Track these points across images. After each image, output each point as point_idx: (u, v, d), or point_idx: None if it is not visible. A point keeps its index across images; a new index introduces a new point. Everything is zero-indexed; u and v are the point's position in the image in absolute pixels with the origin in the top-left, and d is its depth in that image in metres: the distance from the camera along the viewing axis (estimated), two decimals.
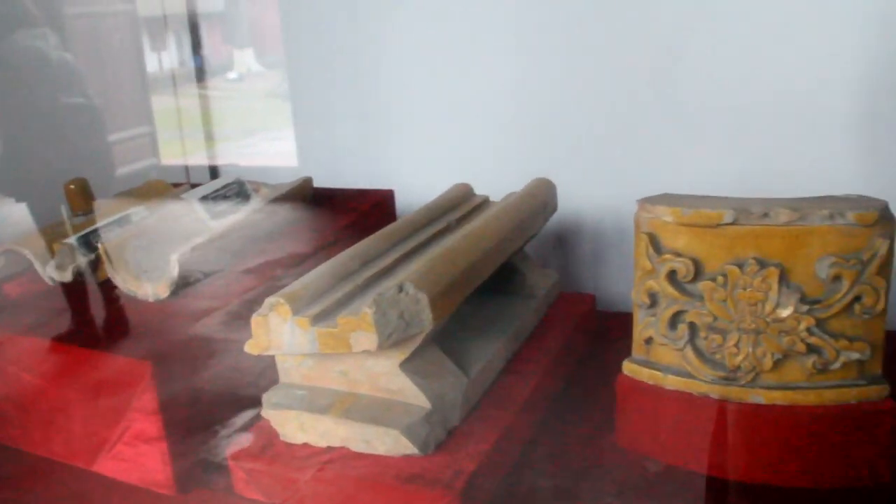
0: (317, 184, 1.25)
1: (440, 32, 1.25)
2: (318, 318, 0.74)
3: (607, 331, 1.01)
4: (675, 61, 1.12)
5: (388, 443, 0.74)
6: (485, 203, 1.02)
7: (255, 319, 0.76)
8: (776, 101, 1.08)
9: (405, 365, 0.76)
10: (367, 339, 0.72)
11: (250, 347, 0.77)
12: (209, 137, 1.74)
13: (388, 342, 0.72)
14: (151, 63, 1.74)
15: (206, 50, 1.73)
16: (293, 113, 1.52)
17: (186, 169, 1.71)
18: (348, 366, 0.78)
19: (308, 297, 0.76)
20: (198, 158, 1.73)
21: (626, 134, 1.17)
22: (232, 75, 1.73)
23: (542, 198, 0.98)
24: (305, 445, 0.78)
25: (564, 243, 1.21)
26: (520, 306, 0.95)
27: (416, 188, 1.15)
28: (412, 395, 0.76)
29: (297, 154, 1.55)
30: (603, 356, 0.90)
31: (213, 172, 1.68)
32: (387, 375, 0.77)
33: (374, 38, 1.31)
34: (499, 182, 1.06)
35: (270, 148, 1.72)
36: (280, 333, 0.75)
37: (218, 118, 1.71)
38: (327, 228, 1.03)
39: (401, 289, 0.73)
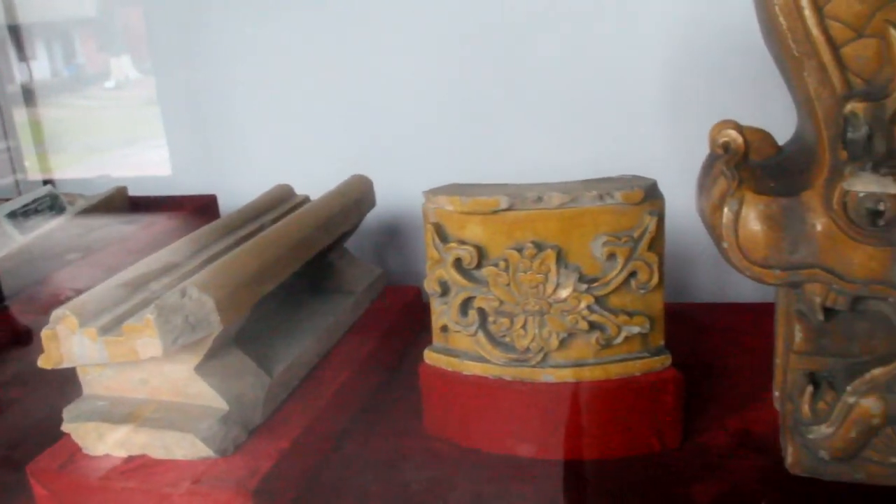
0: (185, 192, 1.25)
1: (283, 35, 1.26)
2: (105, 328, 0.74)
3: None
4: (503, 56, 1.15)
5: (186, 447, 0.75)
6: (304, 202, 1.03)
7: (45, 333, 0.75)
8: (591, 91, 1.11)
9: (201, 368, 0.76)
10: (152, 345, 0.72)
11: (43, 362, 0.76)
12: (86, 149, 1.70)
13: (174, 347, 0.72)
14: (22, 73, 1.70)
15: (81, 58, 1.70)
16: (163, 120, 1.51)
17: (54, 183, 1.68)
18: (147, 373, 0.78)
19: (97, 308, 0.76)
20: (71, 172, 1.70)
21: (459, 129, 1.19)
22: (109, 84, 1.70)
23: (354, 195, 0.99)
24: (107, 456, 0.77)
25: (399, 238, 1.22)
26: (337, 303, 0.96)
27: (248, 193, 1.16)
28: (209, 397, 0.77)
29: (170, 163, 1.54)
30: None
31: (86, 185, 1.65)
32: (184, 380, 0.77)
33: (224, 43, 1.30)
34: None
35: (149, 157, 1.70)
36: (70, 346, 0.75)
37: (95, 128, 1.68)
38: (133, 238, 1.02)
39: (184, 293, 0.73)
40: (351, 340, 0.93)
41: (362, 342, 0.93)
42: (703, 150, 0.78)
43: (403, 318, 1.01)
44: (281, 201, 1.02)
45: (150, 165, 1.67)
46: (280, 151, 1.29)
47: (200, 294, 0.73)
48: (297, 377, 0.85)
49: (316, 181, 1.07)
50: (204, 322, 0.74)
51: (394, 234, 1.24)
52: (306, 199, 1.04)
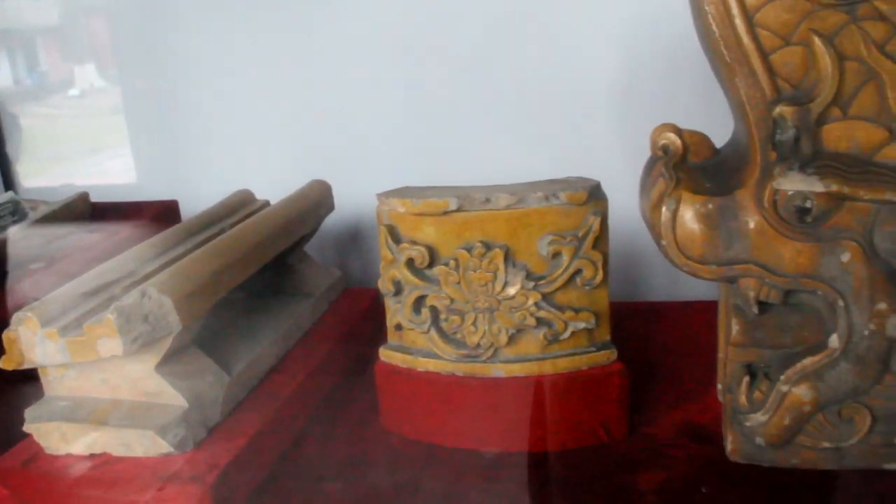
0: (149, 198, 1.27)
1: (244, 42, 1.28)
2: (66, 329, 0.76)
3: None
4: (458, 62, 1.18)
5: (146, 444, 0.77)
6: (263, 206, 1.05)
7: (7, 335, 0.77)
8: (542, 95, 1.15)
9: (161, 367, 0.79)
10: (112, 344, 0.74)
11: (5, 363, 0.78)
12: (50, 158, 1.71)
13: (134, 346, 0.75)
14: None
15: (45, 66, 1.70)
16: (128, 128, 1.52)
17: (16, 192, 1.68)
18: (108, 373, 0.80)
19: (59, 310, 0.78)
20: (35, 181, 1.70)
21: (416, 133, 1.22)
22: (73, 92, 1.70)
23: (313, 199, 1.01)
24: (69, 456, 0.79)
25: (357, 241, 1.25)
26: (296, 305, 0.98)
27: (208, 198, 1.17)
28: (170, 395, 0.79)
29: (135, 170, 1.55)
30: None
31: (50, 194, 1.65)
32: (145, 379, 0.79)
33: (188, 51, 1.32)
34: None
35: (114, 165, 1.71)
36: (32, 347, 0.77)
37: (59, 137, 1.68)
38: (100, 243, 1.04)
39: (143, 294, 0.75)
40: (310, 341, 0.96)
41: (321, 343, 0.96)
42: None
43: (362, 319, 1.03)
44: (241, 206, 1.04)
45: (114, 173, 1.67)
46: (241, 157, 1.31)
47: (159, 294, 0.75)
48: (256, 377, 0.87)
49: (276, 186, 1.09)
50: (163, 322, 0.76)
51: (353, 238, 1.27)
52: (266, 204, 1.06)
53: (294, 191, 1.02)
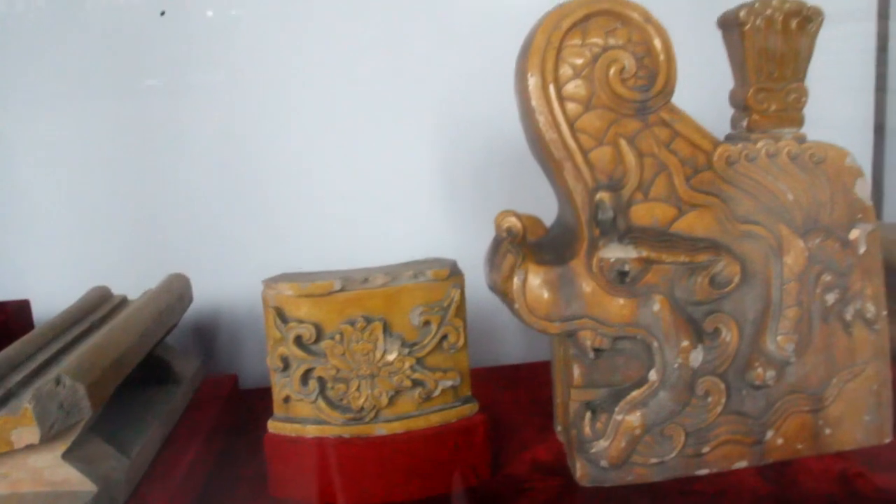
0: None
1: (56, 135, 1.30)
2: None
3: (253, 403, 1.14)
4: (281, 158, 1.30)
5: None
6: (123, 302, 1.11)
7: None
8: (375, 187, 1.30)
9: (67, 455, 0.82)
10: (29, 433, 0.78)
11: None
12: None
13: (50, 434, 0.79)
14: None
15: None
16: None
17: None
18: (8, 467, 0.82)
19: None
20: None
21: (249, 225, 1.32)
22: None
23: (177, 291, 1.09)
24: None
25: (205, 332, 1.32)
26: (168, 392, 1.04)
27: (57, 296, 1.19)
28: (78, 482, 0.82)
29: None
30: (250, 424, 1.02)
31: None
32: (50, 468, 0.82)
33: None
34: (140, 282, 1.16)
35: None
36: None
37: None
38: None
39: (58, 381, 0.80)
40: (185, 426, 1.02)
41: (196, 426, 1.02)
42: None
43: (226, 401, 1.11)
44: (101, 302, 1.09)
45: None
46: (46, 256, 1.32)
47: (73, 381, 0.80)
48: (148, 460, 0.92)
49: (120, 282, 1.15)
50: (76, 408, 0.81)
51: (200, 329, 1.33)
52: (125, 300, 1.12)
53: (155, 285, 1.09)
